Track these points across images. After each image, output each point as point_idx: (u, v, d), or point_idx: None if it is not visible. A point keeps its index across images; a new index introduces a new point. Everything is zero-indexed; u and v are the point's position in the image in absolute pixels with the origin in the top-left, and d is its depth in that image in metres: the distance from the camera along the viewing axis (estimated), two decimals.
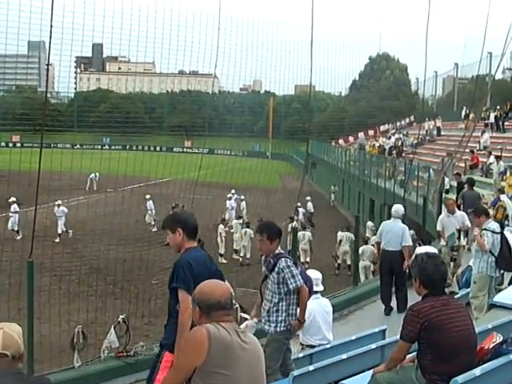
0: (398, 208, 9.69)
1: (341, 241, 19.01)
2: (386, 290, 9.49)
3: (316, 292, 6.07)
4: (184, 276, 4.05)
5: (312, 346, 5.91)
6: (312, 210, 27.40)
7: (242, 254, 20.36)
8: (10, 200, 22.40)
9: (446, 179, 18.70)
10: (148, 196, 26.23)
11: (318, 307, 6.07)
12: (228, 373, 2.83)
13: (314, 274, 6.18)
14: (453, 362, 3.78)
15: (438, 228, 10.55)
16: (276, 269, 5.31)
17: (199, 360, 2.81)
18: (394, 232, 9.17)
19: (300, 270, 5.56)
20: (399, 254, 9.08)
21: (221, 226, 20.96)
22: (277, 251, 5.40)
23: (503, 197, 13.63)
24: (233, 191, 27.55)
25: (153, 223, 24.70)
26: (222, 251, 20.50)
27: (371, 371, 4.37)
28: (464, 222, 10.35)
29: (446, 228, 10.13)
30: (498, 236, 7.58)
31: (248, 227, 19.82)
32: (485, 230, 7.60)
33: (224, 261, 19.64)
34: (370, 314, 9.68)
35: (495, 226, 7.73)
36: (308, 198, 27.52)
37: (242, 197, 27.84)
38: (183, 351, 2.95)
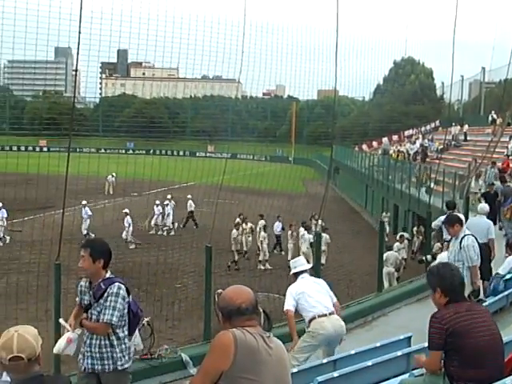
0: (483, 206, 11.02)
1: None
2: None
3: (302, 272, 6.47)
4: None
5: (313, 318, 6.09)
6: (192, 209, 26.51)
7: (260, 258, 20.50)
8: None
9: (473, 184, 18.47)
10: (189, 195, 26.68)
11: (306, 282, 6.38)
12: (254, 377, 2.82)
13: (299, 257, 7.13)
14: (480, 368, 3.71)
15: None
16: (105, 294, 4.54)
17: (225, 365, 2.80)
18: (480, 227, 9.91)
19: (133, 299, 4.86)
20: (485, 246, 9.63)
21: (234, 232, 20.72)
22: (107, 275, 4.66)
23: None
24: (169, 196, 26.54)
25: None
26: (236, 258, 20.34)
27: (397, 379, 4.31)
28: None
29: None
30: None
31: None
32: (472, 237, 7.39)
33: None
34: (395, 320, 9.57)
35: (471, 236, 7.49)
36: (189, 196, 26.75)
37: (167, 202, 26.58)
38: (210, 356, 2.92)
